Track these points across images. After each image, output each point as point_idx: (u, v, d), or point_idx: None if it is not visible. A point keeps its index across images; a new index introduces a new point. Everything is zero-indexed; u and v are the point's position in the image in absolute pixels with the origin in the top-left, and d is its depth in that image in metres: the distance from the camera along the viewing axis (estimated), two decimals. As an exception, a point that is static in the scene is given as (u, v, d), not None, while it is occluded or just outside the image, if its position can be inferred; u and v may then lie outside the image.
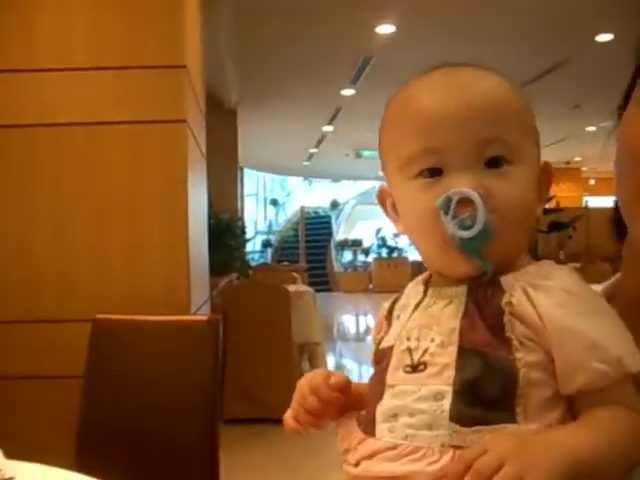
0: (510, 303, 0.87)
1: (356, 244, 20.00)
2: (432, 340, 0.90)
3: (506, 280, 0.90)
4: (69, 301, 2.81)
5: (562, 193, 16.86)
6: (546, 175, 0.97)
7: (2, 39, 2.86)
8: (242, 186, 14.62)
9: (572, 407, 0.87)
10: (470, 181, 0.89)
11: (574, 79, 9.02)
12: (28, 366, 2.78)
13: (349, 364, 8.81)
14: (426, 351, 0.90)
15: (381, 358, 0.97)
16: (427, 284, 1.00)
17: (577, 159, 17.80)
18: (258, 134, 12.60)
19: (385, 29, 6.94)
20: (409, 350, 0.92)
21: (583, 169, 19.10)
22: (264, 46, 7.52)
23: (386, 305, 1.05)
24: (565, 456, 0.78)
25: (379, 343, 1.01)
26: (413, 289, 1.02)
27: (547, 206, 9.72)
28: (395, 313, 1.01)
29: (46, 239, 2.84)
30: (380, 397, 0.93)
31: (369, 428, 0.94)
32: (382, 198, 1.05)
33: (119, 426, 2.00)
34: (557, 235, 10.53)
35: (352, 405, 1.01)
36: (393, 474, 0.88)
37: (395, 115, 0.99)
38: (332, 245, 20.22)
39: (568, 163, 17.92)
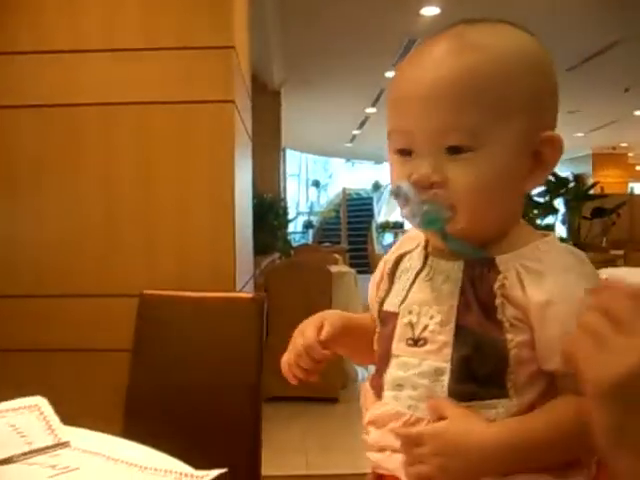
0: (503, 286, 0.91)
1: (397, 226, 19.93)
2: (431, 317, 0.95)
3: (502, 260, 0.93)
4: (118, 277, 2.87)
5: (607, 179, 16.65)
6: (550, 148, 0.94)
7: (51, 20, 2.89)
8: (285, 167, 14.65)
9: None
10: (427, 169, 0.92)
11: (625, 61, 8.88)
12: (78, 339, 2.85)
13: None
14: (426, 328, 0.96)
15: (386, 320, 1.04)
16: (427, 249, 1.04)
17: (623, 145, 17.53)
18: (301, 115, 12.59)
19: (429, 11, 6.90)
20: (411, 324, 0.98)
21: (630, 155, 18.80)
22: (309, 28, 7.51)
23: (390, 261, 1.10)
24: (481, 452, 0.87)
25: (382, 302, 1.06)
26: (416, 251, 1.06)
27: (591, 192, 9.61)
28: (398, 273, 1.06)
29: (94, 218, 2.89)
30: (387, 364, 1.01)
31: (378, 391, 1.02)
32: None
33: (165, 399, 2.04)
34: (600, 221, 10.40)
35: (357, 338, 1.13)
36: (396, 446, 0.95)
37: (388, 89, 1.01)
38: (374, 227, 20.20)
39: (614, 149, 17.65)
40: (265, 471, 1.94)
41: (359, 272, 7.12)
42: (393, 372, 0.99)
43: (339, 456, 4.20)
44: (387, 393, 0.99)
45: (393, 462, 0.96)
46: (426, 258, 1.02)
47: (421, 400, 0.94)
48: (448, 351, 0.92)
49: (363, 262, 17.66)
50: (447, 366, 0.92)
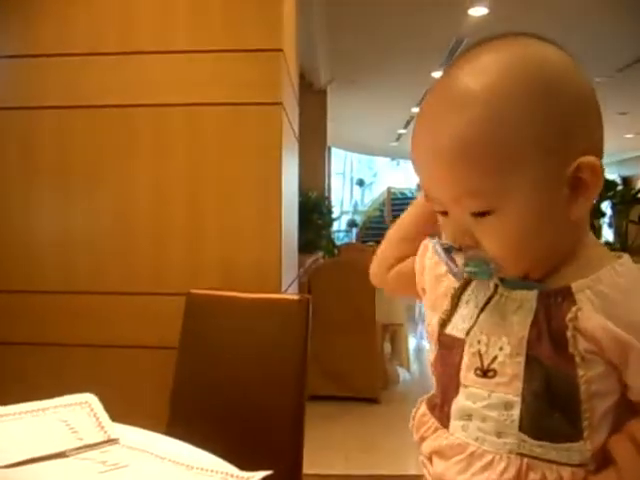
0: (575, 317, 0.86)
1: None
2: (501, 349, 0.91)
3: (578, 287, 0.88)
4: (164, 276, 2.91)
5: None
6: (589, 173, 0.86)
7: (103, 23, 2.95)
8: (330, 165, 14.65)
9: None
10: (456, 232, 0.91)
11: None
12: (127, 336, 2.89)
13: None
14: (495, 359, 0.92)
15: (449, 345, 0.99)
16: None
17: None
18: (347, 114, 12.58)
19: (478, 11, 6.81)
20: (479, 354, 0.94)
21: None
22: (355, 27, 7.50)
23: (455, 285, 1.03)
24: None
25: (444, 324, 1.01)
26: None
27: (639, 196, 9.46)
28: (465, 297, 1.01)
29: (144, 217, 2.94)
30: (455, 392, 0.96)
31: (443, 420, 0.98)
32: None
33: (209, 397, 2.06)
34: (648, 226, 10.26)
35: None
36: None
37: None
38: (417, 227, 20.06)
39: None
40: (305, 469, 1.96)
41: (402, 272, 7.09)
42: (461, 402, 0.95)
43: (379, 456, 4.21)
44: (454, 422, 0.95)
45: None
46: (497, 285, 0.97)
47: (489, 433, 0.90)
48: (519, 384, 0.89)
49: (406, 261, 17.60)
50: (518, 400, 0.88)
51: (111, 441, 1.34)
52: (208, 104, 2.89)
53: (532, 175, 0.84)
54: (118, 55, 2.92)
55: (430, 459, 0.99)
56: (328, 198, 10.62)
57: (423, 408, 1.04)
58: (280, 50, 2.87)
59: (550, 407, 0.87)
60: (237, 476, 1.16)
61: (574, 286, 0.88)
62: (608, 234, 10.87)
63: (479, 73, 0.86)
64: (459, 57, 0.91)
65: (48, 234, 2.99)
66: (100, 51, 2.93)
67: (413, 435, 1.04)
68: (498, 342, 0.92)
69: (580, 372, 0.85)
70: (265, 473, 1.14)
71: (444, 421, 0.97)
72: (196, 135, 2.91)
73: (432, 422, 1.00)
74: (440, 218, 0.95)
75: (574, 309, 0.86)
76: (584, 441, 0.85)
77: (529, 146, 0.83)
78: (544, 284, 0.91)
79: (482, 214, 0.87)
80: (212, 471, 1.19)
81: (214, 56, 2.88)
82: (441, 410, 0.99)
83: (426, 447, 1.00)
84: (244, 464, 1.20)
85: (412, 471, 3.73)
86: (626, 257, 0.92)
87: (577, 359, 0.85)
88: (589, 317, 0.85)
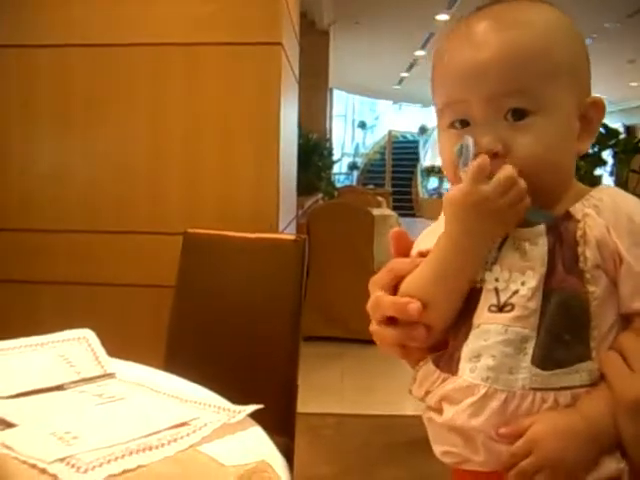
0: (584, 233, 0.89)
1: (442, 171, 19.75)
2: (523, 283, 0.91)
3: (575, 210, 0.92)
4: (162, 215, 2.93)
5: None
6: (595, 111, 0.96)
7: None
8: (331, 107, 14.56)
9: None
10: (488, 136, 0.91)
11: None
12: (124, 274, 2.93)
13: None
14: (515, 293, 0.91)
15: (468, 297, 0.97)
16: None
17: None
18: (350, 55, 12.47)
19: (486, -47, 6.75)
20: (496, 290, 0.93)
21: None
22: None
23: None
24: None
25: None
26: None
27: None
28: None
29: (142, 156, 2.95)
30: (466, 337, 0.94)
31: (452, 368, 0.95)
32: None
33: (205, 335, 2.09)
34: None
35: None
36: (478, 428, 0.90)
37: (433, 65, 1.01)
38: (418, 171, 20.05)
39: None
40: (301, 408, 1.99)
41: (402, 215, 7.12)
42: (472, 343, 0.93)
43: (374, 397, 4.27)
44: (463, 365, 0.93)
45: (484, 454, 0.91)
46: None
47: (501, 371, 0.89)
48: (536, 318, 0.89)
49: (406, 205, 17.66)
50: (533, 334, 0.89)
51: (108, 375, 1.37)
52: (207, 44, 2.87)
53: (566, 91, 0.92)
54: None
55: (438, 409, 0.96)
56: (329, 140, 10.58)
57: (428, 364, 1.00)
58: (280, -10, 2.85)
59: (563, 333, 0.88)
60: (229, 409, 1.19)
61: (572, 209, 0.92)
62: (609, 182, 10.82)
63: (523, 10, 0.96)
64: (483, 10, 0.97)
65: (46, 173, 3.00)
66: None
67: (414, 393, 1.01)
68: (521, 277, 0.92)
69: (590, 289, 0.87)
70: (255, 407, 1.17)
71: (453, 369, 0.95)
72: (195, 75, 2.90)
73: (438, 374, 0.97)
74: (452, 134, 0.96)
75: (581, 225, 0.90)
76: (592, 360, 0.87)
77: (566, 66, 0.93)
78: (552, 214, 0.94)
79: (522, 115, 0.90)
80: (205, 404, 1.22)
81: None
82: (450, 359, 0.96)
83: (432, 398, 0.97)
84: (239, 400, 1.23)
85: (408, 411, 3.79)
86: (604, 184, 0.98)
87: (587, 275, 0.88)
88: (594, 224, 0.90)
